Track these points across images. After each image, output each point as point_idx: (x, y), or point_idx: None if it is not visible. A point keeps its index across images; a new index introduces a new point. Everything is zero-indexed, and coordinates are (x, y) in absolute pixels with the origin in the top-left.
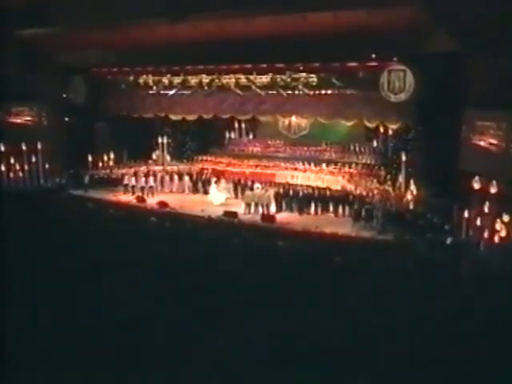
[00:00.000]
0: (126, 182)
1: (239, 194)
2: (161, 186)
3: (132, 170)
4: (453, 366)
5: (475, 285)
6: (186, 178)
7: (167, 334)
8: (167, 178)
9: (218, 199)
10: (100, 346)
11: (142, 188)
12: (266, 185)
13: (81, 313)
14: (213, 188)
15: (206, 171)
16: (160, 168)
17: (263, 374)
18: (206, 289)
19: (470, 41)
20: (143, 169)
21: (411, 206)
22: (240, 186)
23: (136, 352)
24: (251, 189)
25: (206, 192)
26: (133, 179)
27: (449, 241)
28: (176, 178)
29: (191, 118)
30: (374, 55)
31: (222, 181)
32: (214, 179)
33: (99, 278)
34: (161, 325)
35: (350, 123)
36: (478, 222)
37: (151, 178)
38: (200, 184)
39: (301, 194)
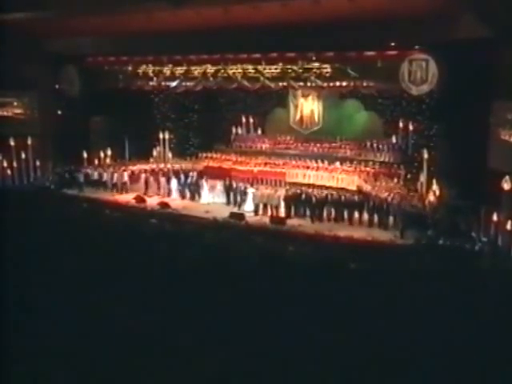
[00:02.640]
0: (95, 178)
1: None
2: (145, 187)
3: (122, 168)
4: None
5: (505, 292)
6: (174, 181)
7: (166, 344)
8: (151, 178)
9: (205, 198)
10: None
11: (115, 185)
12: (259, 187)
13: (72, 318)
14: (204, 186)
15: (191, 173)
16: (155, 166)
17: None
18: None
19: (499, 26)
20: (123, 167)
21: (434, 208)
22: (233, 191)
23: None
24: (245, 193)
25: (199, 196)
26: (105, 175)
27: (476, 246)
28: (163, 180)
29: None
30: (393, 43)
31: (218, 183)
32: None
33: (94, 285)
34: (162, 334)
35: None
36: (509, 226)
37: (125, 174)
38: (188, 187)
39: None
